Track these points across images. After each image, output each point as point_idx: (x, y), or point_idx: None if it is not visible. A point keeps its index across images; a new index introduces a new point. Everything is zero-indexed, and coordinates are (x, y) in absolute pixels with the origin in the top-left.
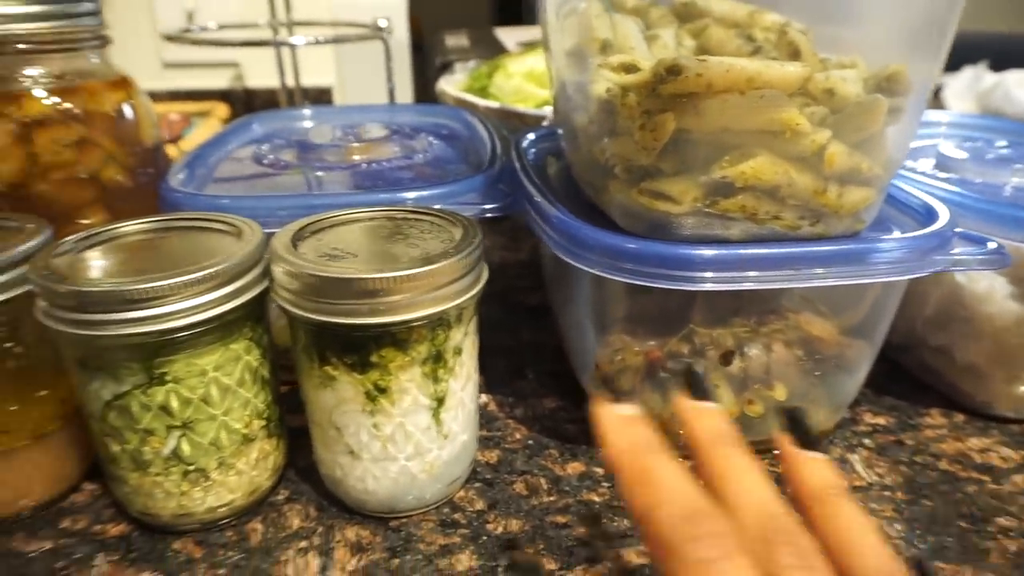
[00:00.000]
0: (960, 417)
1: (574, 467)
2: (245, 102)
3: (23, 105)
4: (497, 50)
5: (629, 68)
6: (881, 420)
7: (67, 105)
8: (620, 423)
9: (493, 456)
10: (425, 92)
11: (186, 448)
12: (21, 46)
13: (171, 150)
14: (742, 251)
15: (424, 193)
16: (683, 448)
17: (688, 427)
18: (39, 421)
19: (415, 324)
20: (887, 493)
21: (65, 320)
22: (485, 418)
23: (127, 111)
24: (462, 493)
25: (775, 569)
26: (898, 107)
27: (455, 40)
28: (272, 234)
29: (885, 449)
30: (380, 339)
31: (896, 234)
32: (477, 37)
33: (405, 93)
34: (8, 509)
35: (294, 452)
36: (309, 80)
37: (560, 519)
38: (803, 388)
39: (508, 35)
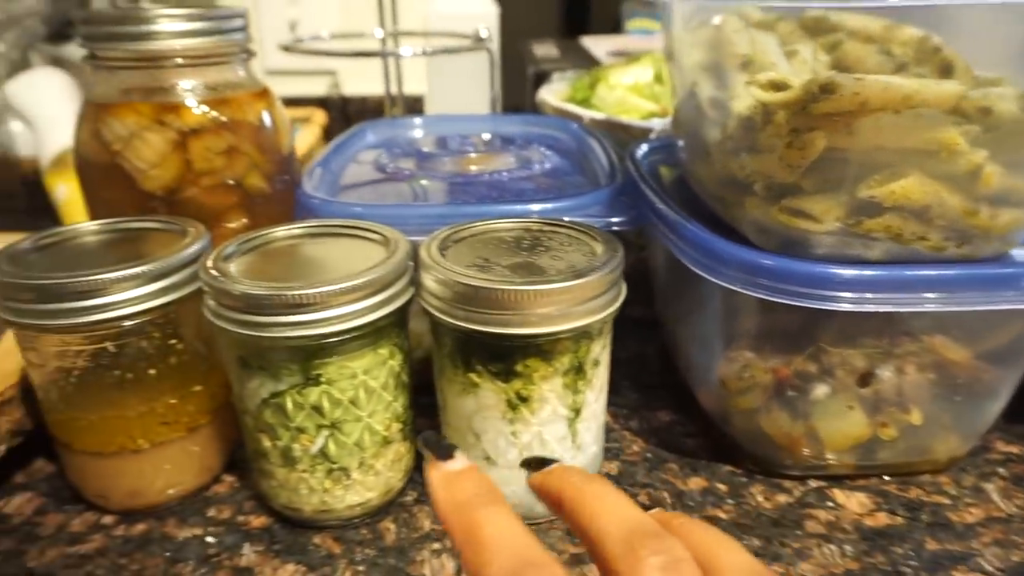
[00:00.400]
0: None
1: (696, 482)
2: (341, 109)
3: (181, 115)
4: (586, 59)
5: (778, 86)
6: (1015, 449)
7: (218, 115)
8: (448, 479)
9: (614, 467)
10: (508, 100)
11: (332, 447)
12: (180, 60)
13: None
14: (886, 273)
15: (552, 205)
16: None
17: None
18: (193, 414)
19: (562, 336)
20: None
21: (233, 320)
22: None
23: (267, 120)
24: None
25: None
26: None
27: (543, 50)
28: (410, 242)
29: (1022, 479)
30: (526, 349)
31: None
32: (565, 46)
33: (487, 101)
34: (161, 496)
35: (420, 455)
36: (404, 88)
37: None
38: (937, 413)
39: (596, 44)
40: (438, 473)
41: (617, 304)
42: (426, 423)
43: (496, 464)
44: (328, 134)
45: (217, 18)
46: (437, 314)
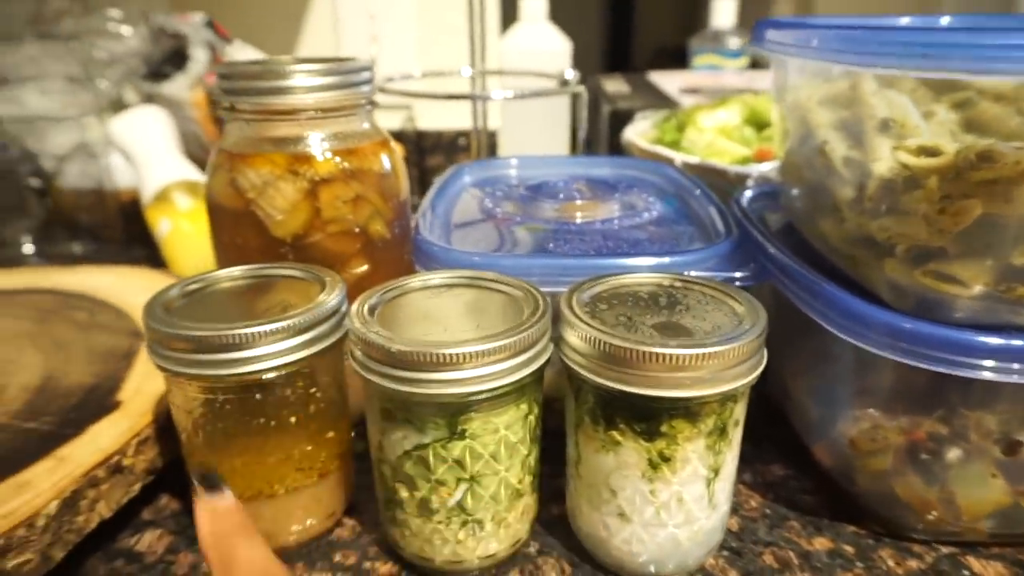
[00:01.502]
0: None
1: (820, 542)
2: (416, 143)
3: (313, 165)
4: (659, 97)
5: (930, 152)
6: None
7: (346, 164)
8: (214, 515)
9: (734, 523)
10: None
11: (470, 500)
12: (313, 113)
13: None
14: None
15: (672, 259)
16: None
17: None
18: (325, 461)
19: (710, 399)
20: None
21: (382, 374)
22: None
23: (388, 167)
24: (712, 561)
25: None
26: None
27: (615, 86)
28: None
29: None
30: (674, 411)
31: None
32: (635, 83)
33: (563, 139)
34: (288, 539)
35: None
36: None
37: None
38: None
39: (666, 81)
40: (207, 507)
41: (762, 367)
42: (548, 470)
43: (631, 521)
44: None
45: (347, 72)
46: (582, 372)
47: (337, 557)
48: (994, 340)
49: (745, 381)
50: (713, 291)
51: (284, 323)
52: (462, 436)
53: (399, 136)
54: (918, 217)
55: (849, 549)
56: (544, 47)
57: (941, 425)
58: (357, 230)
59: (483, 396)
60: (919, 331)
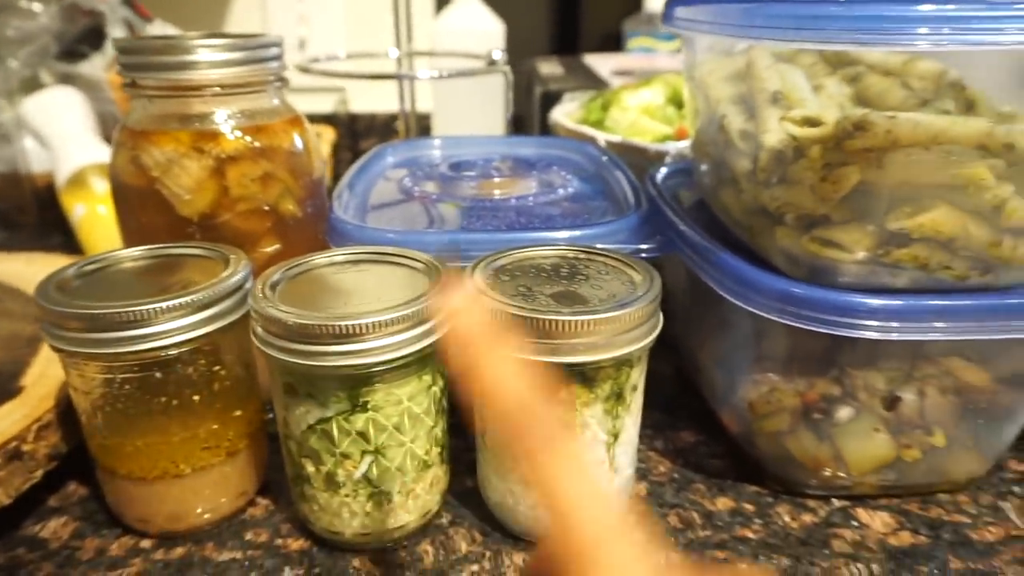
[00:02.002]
0: None
1: (723, 502)
2: (348, 126)
3: (219, 142)
4: (592, 79)
5: (812, 122)
6: None
7: (254, 142)
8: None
9: (641, 488)
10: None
11: (375, 472)
12: (218, 89)
13: None
14: (910, 302)
15: (582, 232)
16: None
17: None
18: (232, 439)
19: (604, 364)
20: None
21: (283, 349)
22: None
23: (300, 145)
24: None
25: None
26: None
27: (548, 68)
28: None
29: None
30: (570, 377)
31: None
32: (569, 65)
33: (497, 120)
34: (199, 520)
35: (451, 476)
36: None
37: (719, 554)
38: (959, 435)
39: (599, 63)
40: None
41: (656, 332)
42: (460, 444)
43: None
44: (336, 151)
45: (254, 47)
46: None
47: (248, 535)
48: (875, 301)
49: (638, 346)
50: (615, 262)
51: (183, 299)
52: (364, 408)
53: (332, 119)
54: (804, 186)
55: (749, 507)
56: (477, 27)
57: (834, 385)
58: (267, 208)
59: (384, 367)
60: (807, 295)
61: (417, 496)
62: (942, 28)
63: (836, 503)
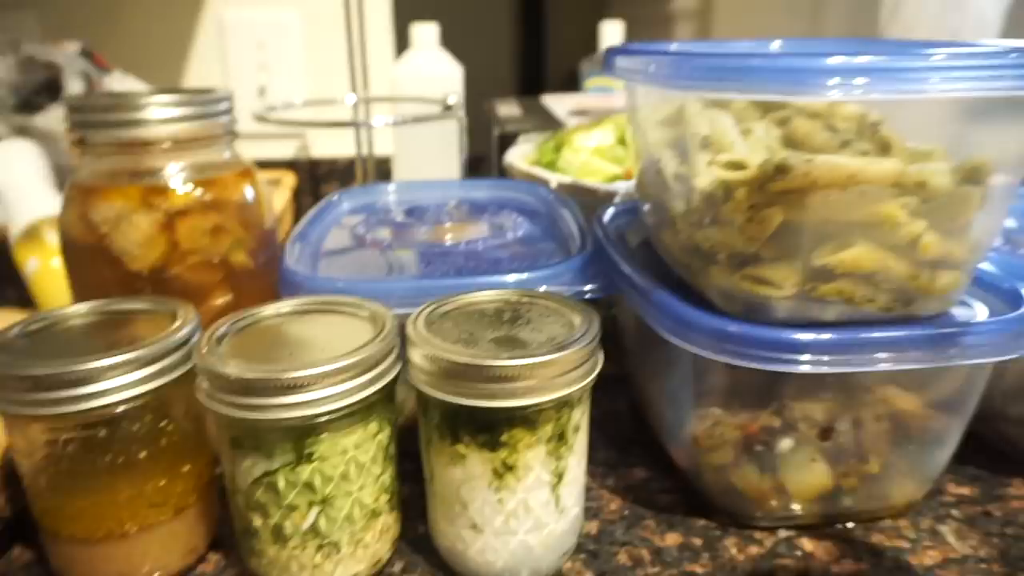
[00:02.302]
0: None
1: (672, 538)
2: (309, 171)
3: (169, 197)
4: (548, 119)
5: (737, 166)
6: (965, 490)
7: (204, 195)
8: None
9: (593, 527)
10: (472, 159)
11: (323, 523)
12: (168, 144)
13: None
14: (838, 336)
15: (527, 276)
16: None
17: None
18: (181, 495)
19: (544, 406)
20: (983, 565)
21: (227, 403)
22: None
23: (250, 196)
24: (569, 564)
25: None
26: (985, 195)
27: (507, 109)
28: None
29: (974, 520)
30: (511, 420)
31: (980, 313)
32: (527, 106)
33: (456, 164)
34: None
35: (404, 523)
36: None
37: None
38: (894, 461)
39: (556, 103)
40: None
41: (595, 373)
42: (408, 490)
43: (483, 532)
44: (298, 196)
45: (204, 103)
46: (426, 389)
47: None
48: (806, 336)
49: (577, 387)
50: (556, 304)
51: (126, 356)
52: (310, 459)
53: (292, 165)
54: (733, 226)
55: (697, 541)
56: (435, 73)
57: (775, 418)
58: (217, 261)
59: (328, 417)
60: (741, 333)
61: (367, 545)
62: (852, 80)
63: (782, 533)
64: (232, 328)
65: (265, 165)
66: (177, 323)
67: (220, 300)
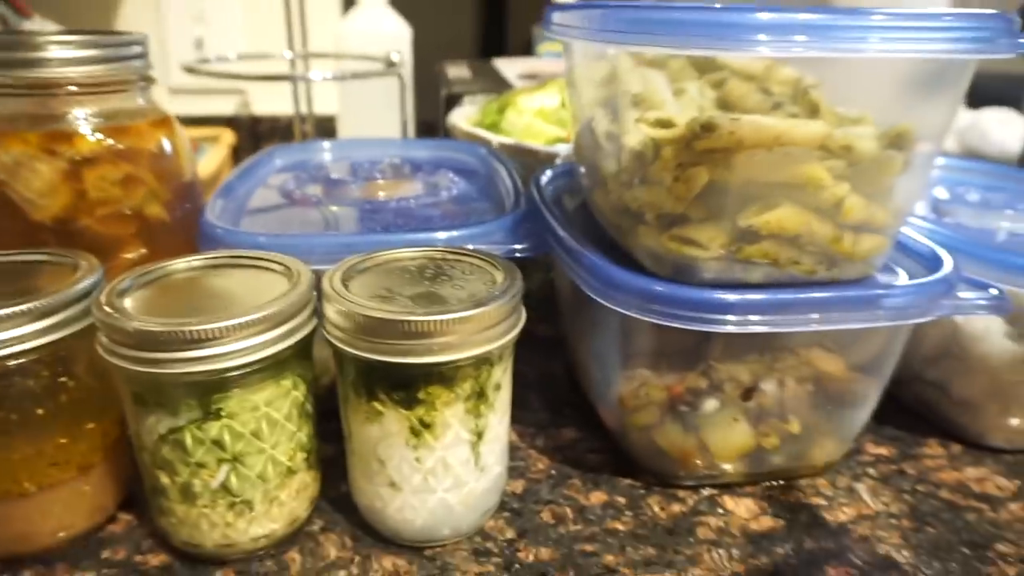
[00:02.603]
0: (956, 448)
1: (597, 496)
2: (250, 128)
3: (74, 144)
4: (498, 82)
5: (665, 124)
6: (883, 450)
7: (115, 144)
8: None
9: (519, 486)
10: (424, 121)
11: (234, 481)
12: (73, 88)
13: None
14: (763, 296)
15: (457, 234)
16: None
17: None
18: (85, 453)
19: (462, 363)
20: (893, 521)
21: (127, 357)
22: (509, 448)
23: (167, 147)
24: (492, 523)
25: None
26: (908, 161)
27: (457, 71)
28: (315, 271)
29: (889, 479)
30: (428, 377)
31: (903, 278)
32: (477, 68)
33: (410, 124)
34: (50, 540)
35: (325, 482)
36: (315, 108)
37: (588, 547)
38: (815, 421)
39: (508, 67)
40: None
41: (516, 331)
42: (332, 449)
43: (402, 490)
44: (237, 154)
45: (114, 45)
46: (340, 345)
47: (106, 553)
48: (732, 296)
49: (496, 345)
50: (481, 262)
51: (19, 307)
52: (218, 416)
53: (232, 122)
54: (661, 186)
55: (621, 500)
56: (382, 30)
57: (702, 379)
58: (129, 212)
59: (236, 373)
60: (668, 293)
61: (283, 503)
62: (784, 36)
63: (705, 492)
64: (138, 281)
65: (204, 121)
66: (78, 275)
67: (133, 254)
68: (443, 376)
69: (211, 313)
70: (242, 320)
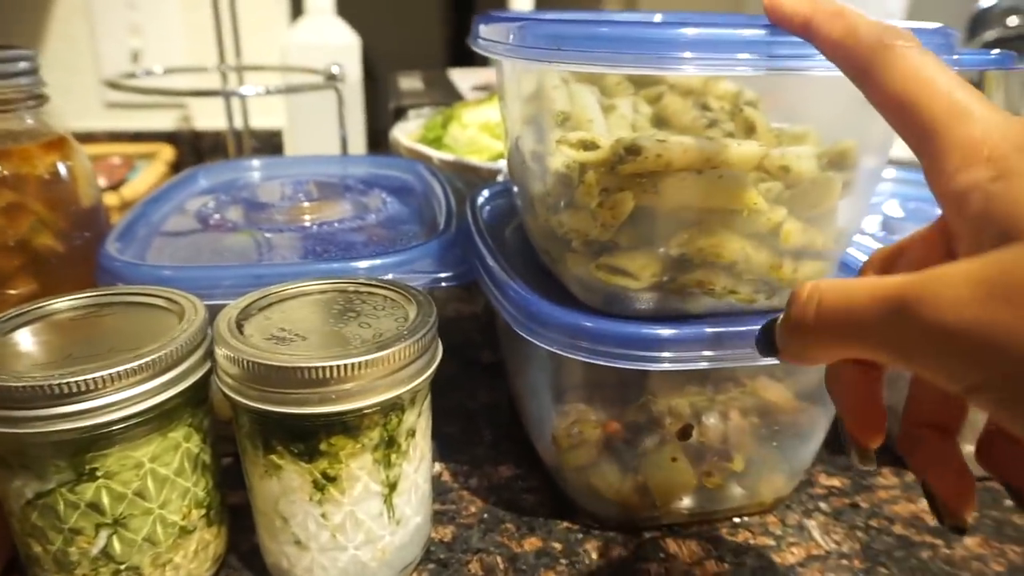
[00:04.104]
0: (910, 476)
1: (531, 543)
2: (192, 144)
3: None
4: (450, 94)
5: (588, 145)
6: (836, 482)
7: None
8: None
9: (447, 533)
10: (377, 132)
11: (117, 546)
12: None
13: (112, 197)
14: (698, 330)
15: (376, 262)
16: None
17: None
18: None
19: (367, 411)
20: (844, 562)
21: None
22: (438, 489)
23: (62, 172)
24: None
25: None
26: (850, 181)
27: (409, 82)
28: (218, 306)
29: (841, 513)
30: (329, 427)
31: None
32: (431, 79)
33: (359, 139)
34: None
35: (236, 535)
36: (259, 122)
37: None
38: (762, 456)
39: (462, 77)
40: None
41: (429, 372)
42: (242, 498)
43: (308, 548)
44: (178, 171)
45: None
46: (231, 393)
47: None
48: (667, 331)
49: (405, 389)
50: (395, 295)
51: None
52: (93, 476)
53: (173, 137)
54: (587, 211)
55: (557, 546)
56: (327, 41)
57: (640, 413)
58: (14, 244)
59: (113, 429)
60: (596, 329)
61: (177, 567)
62: (705, 53)
63: (647, 535)
64: (9, 324)
65: (142, 136)
66: None
67: (21, 289)
68: (346, 426)
69: (86, 361)
70: (119, 369)
